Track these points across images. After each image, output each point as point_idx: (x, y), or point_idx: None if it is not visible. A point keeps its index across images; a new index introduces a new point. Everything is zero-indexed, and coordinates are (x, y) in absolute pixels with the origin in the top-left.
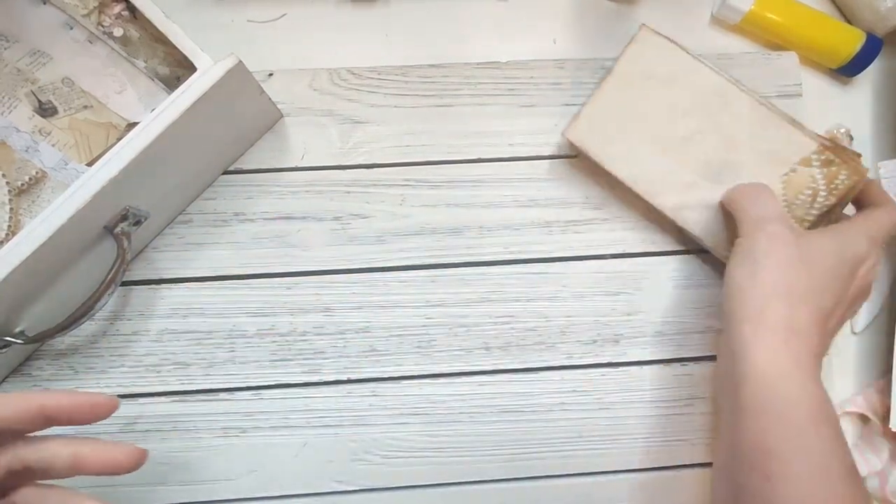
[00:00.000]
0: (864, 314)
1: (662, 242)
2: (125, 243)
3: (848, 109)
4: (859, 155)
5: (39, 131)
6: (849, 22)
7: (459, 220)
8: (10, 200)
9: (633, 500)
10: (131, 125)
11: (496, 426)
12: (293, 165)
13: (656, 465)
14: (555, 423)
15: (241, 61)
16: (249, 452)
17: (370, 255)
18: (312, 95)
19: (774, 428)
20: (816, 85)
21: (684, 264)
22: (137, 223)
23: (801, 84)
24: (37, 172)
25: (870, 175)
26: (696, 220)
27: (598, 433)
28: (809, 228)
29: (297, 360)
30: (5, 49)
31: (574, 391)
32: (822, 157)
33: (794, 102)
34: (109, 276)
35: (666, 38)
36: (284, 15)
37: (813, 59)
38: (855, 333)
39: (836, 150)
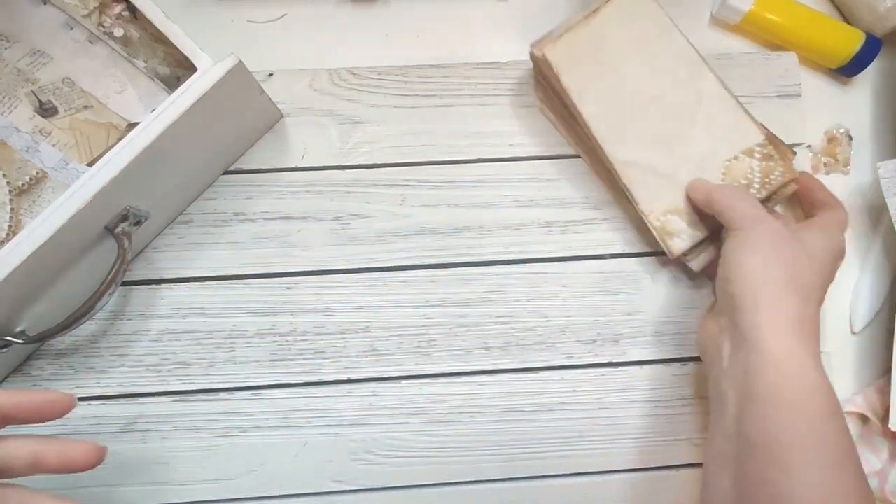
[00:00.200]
0: (865, 314)
1: None
2: (126, 243)
3: (847, 109)
4: (794, 153)
5: (40, 131)
6: (848, 22)
7: (459, 220)
8: (10, 200)
9: (633, 500)
10: (132, 125)
11: (496, 426)
12: (293, 165)
13: (656, 465)
14: (554, 422)
15: (241, 61)
16: (249, 452)
17: (370, 255)
18: (312, 95)
19: (792, 420)
20: (816, 85)
21: (684, 264)
22: (138, 223)
23: (800, 84)
24: (37, 172)
25: (864, 176)
26: (639, 182)
27: (597, 433)
28: None
29: (297, 360)
30: (6, 49)
31: (574, 391)
32: (764, 151)
33: (793, 102)
34: (110, 276)
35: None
36: (284, 15)
37: (812, 60)
38: (855, 333)
39: (776, 145)
